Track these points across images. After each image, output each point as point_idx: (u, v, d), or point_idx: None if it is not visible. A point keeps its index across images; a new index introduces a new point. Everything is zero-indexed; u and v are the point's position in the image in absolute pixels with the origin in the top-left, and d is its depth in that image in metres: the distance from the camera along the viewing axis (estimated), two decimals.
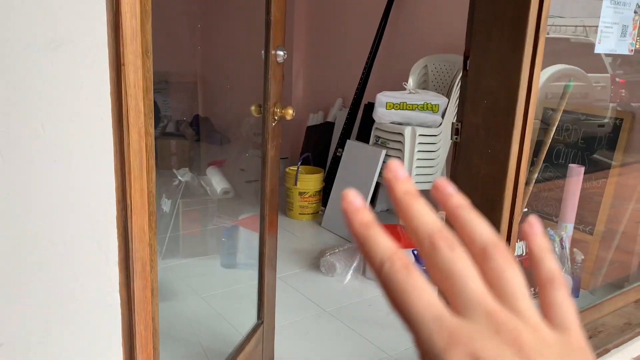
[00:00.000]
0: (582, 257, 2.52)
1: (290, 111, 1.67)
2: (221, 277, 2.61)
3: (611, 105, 2.99)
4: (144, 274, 0.82)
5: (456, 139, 1.46)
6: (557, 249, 2.54)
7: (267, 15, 1.57)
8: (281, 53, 1.63)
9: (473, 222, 0.26)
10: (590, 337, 1.90)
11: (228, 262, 2.69)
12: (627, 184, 2.90)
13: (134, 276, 0.81)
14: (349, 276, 2.61)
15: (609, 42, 1.72)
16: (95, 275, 0.78)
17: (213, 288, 2.49)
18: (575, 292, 2.48)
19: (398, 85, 3.47)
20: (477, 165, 1.40)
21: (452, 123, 1.48)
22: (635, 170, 2.88)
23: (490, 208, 1.38)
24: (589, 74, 2.87)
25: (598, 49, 1.72)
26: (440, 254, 0.24)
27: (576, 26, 2.96)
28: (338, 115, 3.88)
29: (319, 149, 3.87)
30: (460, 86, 1.44)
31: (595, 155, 2.70)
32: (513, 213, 1.40)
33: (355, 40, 3.89)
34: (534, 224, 0.28)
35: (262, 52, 1.63)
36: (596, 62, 3.06)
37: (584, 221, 2.72)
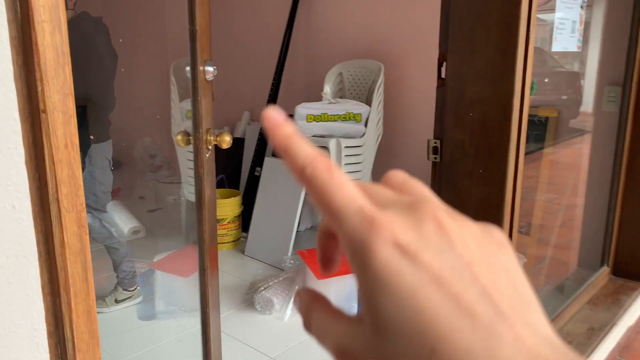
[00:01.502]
0: (525, 260, 2.46)
1: (227, 138, 1.38)
2: (140, 333, 2.22)
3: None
4: None
5: (435, 158, 1.26)
6: None
7: (192, 24, 1.27)
8: (210, 69, 1.34)
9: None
10: None
11: (146, 314, 2.30)
12: (555, 181, 2.92)
13: None
14: (289, 311, 2.34)
15: (563, 39, 1.62)
16: None
17: (132, 348, 2.10)
18: None
19: (312, 94, 3.25)
20: (467, 188, 1.20)
21: (428, 141, 1.27)
22: (563, 167, 2.91)
23: None
24: None
25: (555, 47, 1.60)
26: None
27: None
28: (248, 130, 3.58)
29: (231, 169, 3.54)
30: (437, 97, 1.24)
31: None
32: (511, 239, 1.21)
33: (260, 48, 3.63)
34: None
35: (187, 68, 1.32)
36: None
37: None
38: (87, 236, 0.47)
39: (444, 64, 1.24)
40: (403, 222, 0.22)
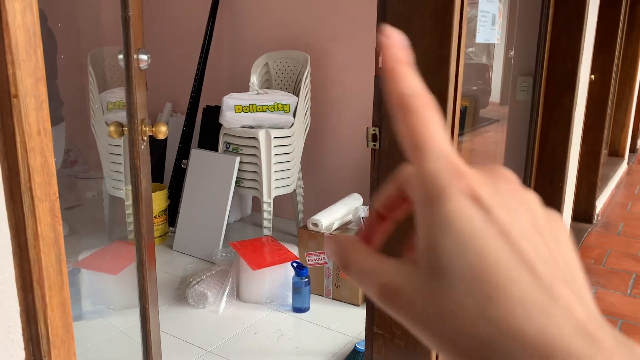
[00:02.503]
0: None
1: (163, 129, 1.34)
2: None
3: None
4: None
5: (374, 145, 1.30)
6: None
7: (124, 10, 1.22)
8: (144, 57, 1.30)
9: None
10: None
11: (73, 314, 2.20)
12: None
13: None
14: (223, 304, 2.32)
15: (485, 31, 1.71)
16: None
17: None
18: None
19: (238, 85, 3.22)
20: None
21: (367, 129, 1.31)
22: (481, 155, 3.07)
23: None
24: None
25: (478, 39, 1.70)
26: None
27: None
28: (170, 122, 3.48)
29: (154, 162, 3.43)
30: (375, 86, 1.28)
31: None
32: None
33: (181, 37, 3.53)
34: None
35: (120, 57, 1.27)
36: None
37: None
38: (61, 227, 0.45)
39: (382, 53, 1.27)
40: (483, 179, 0.23)
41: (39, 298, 0.44)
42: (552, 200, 2.42)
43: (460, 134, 2.77)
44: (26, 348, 0.44)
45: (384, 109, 1.25)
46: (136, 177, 1.32)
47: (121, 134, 1.33)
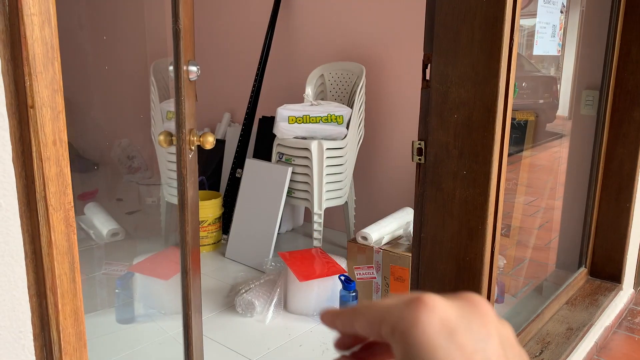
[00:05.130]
0: (505, 261, 2.49)
1: (210, 139, 1.36)
2: (120, 336, 2.19)
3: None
4: None
5: (419, 159, 1.27)
6: None
7: (175, 23, 1.25)
8: (194, 69, 1.32)
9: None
10: (542, 351, 1.82)
11: (125, 317, 2.27)
12: (534, 184, 2.96)
13: None
14: (270, 314, 2.32)
15: (544, 43, 1.64)
16: None
17: (111, 352, 2.07)
18: (500, 298, 2.44)
19: (293, 96, 3.25)
20: (450, 190, 1.21)
21: (413, 142, 1.28)
22: (541, 170, 2.95)
23: (468, 236, 1.20)
24: None
25: (536, 51, 1.63)
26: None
27: None
28: (228, 131, 3.56)
29: (211, 170, 3.52)
30: (422, 99, 1.24)
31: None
32: (494, 241, 1.23)
33: (241, 50, 3.61)
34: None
35: (170, 68, 1.31)
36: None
37: None
38: (75, 235, 0.46)
39: (429, 65, 1.24)
40: (447, 303, 0.25)
41: (52, 305, 0.45)
42: (618, 220, 2.28)
43: (519, 150, 2.67)
44: (39, 354, 0.45)
45: (431, 122, 1.22)
46: (182, 185, 1.34)
47: (170, 143, 1.36)
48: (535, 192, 3.00)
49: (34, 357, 0.45)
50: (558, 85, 3.48)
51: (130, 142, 4.56)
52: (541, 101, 4.32)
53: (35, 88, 0.41)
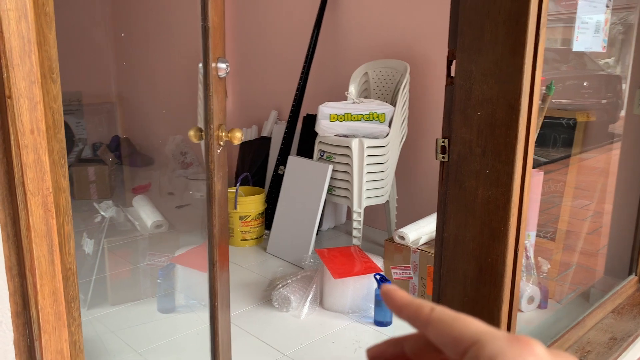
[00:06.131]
0: (549, 265, 2.40)
1: (238, 135, 1.39)
2: (159, 325, 2.26)
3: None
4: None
5: (443, 157, 1.24)
6: (522, 260, 2.41)
7: (204, 21, 1.29)
8: (223, 66, 1.35)
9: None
10: (580, 359, 1.75)
11: (166, 307, 2.34)
12: (583, 186, 2.83)
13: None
14: (305, 310, 2.34)
15: (586, 39, 1.57)
16: None
17: (151, 340, 2.14)
18: (544, 303, 2.35)
19: (337, 94, 3.25)
20: (473, 188, 1.18)
21: (437, 140, 1.26)
22: (592, 172, 2.83)
23: (490, 236, 1.17)
24: None
25: (576, 47, 1.56)
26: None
27: None
28: (275, 129, 3.60)
29: (256, 167, 3.58)
30: (446, 96, 1.22)
31: (548, 156, 2.61)
32: (518, 242, 1.19)
33: (288, 49, 3.65)
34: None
35: (200, 65, 1.34)
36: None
37: (542, 226, 2.62)
38: (54, 220, 0.49)
39: (453, 62, 1.22)
40: (548, 355, 0.25)
41: (31, 285, 0.48)
42: None
43: (568, 152, 2.56)
44: (18, 331, 0.48)
45: (455, 119, 1.19)
46: (210, 179, 1.38)
47: (200, 138, 1.40)
48: (590, 196, 2.88)
49: (12, 334, 0.48)
50: (623, 85, 3.32)
51: (183, 139, 4.70)
52: (604, 101, 4.12)
53: (12, 79, 0.44)
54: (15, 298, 0.49)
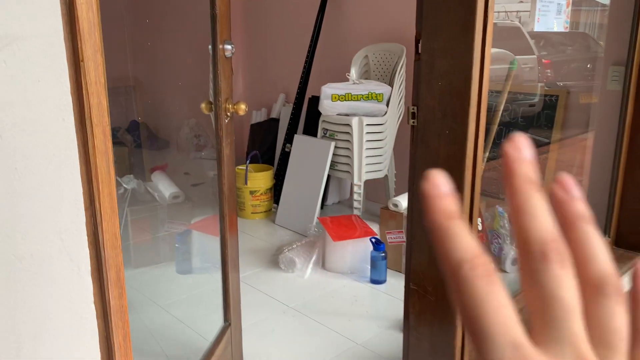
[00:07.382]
0: None
1: (243, 106, 1.63)
2: (178, 284, 2.54)
3: (539, 84, 3.14)
4: (118, 282, 0.78)
5: (413, 122, 1.48)
6: (507, 226, 2.63)
7: (212, 8, 1.53)
8: (229, 47, 1.59)
9: (594, 245, 0.23)
10: None
11: (184, 268, 2.61)
12: (563, 158, 3.04)
13: (108, 285, 0.76)
14: (309, 270, 2.60)
15: (548, 20, 1.79)
16: (67, 287, 0.72)
17: (171, 296, 2.42)
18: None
19: (340, 76, 3.48)
20: (436, 147, 1.42)
21: (408, 108, 1.49)
22: (570, 145, 3.02)
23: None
24: (517, 56, 2.99)
25: (537, 27, 1.78)
26: (548, 270, 0.22)
27: (499, 12, 3.08)
28: (282, 111, 3.85)
29: (266, 147, 3.83)
30: (414, 70, 1.45)
31: (534, 132, 2.81)
32: (473, 192, 1.43)
33: (294, 33, 3.87)
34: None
35: (209, 47, 1.59)
36: (523, 44, 3.21)
37: None
38: (110, 143, 0.73)
39: (420, 41, 1.45)
40: None
41: (95, 188, 0.72)
42: None
43: (581, 132, 2.76)
44: (89, 220, 0.72)
45: (421, 89, 1.42)
46: (219, 144, 1.63)
47: (210, 109, 1.65)
48: (564, 167, 3.07)
49: (84, 219, 0.72)
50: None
51: (197, 122, 4.97)
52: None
53: (84, 48, 0.67)
54: (85, 198, 0.74)
